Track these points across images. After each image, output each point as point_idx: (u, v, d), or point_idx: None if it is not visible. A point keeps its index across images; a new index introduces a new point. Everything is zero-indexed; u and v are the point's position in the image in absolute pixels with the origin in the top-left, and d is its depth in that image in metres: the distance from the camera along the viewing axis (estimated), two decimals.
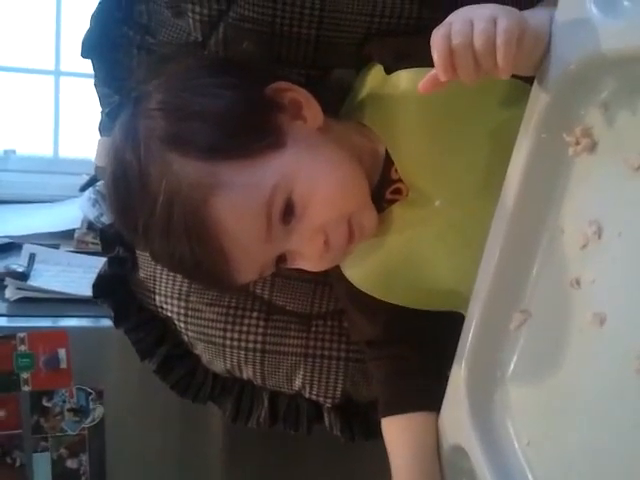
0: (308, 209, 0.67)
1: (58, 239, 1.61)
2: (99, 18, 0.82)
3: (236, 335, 0.90)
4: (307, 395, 0.94)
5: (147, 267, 0.94)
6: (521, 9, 0.59)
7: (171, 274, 0.91)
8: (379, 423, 0.80)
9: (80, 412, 1.34)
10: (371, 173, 0.73)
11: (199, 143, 0.65)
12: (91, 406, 1.34)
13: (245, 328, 0.90)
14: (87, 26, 0.83)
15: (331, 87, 0.80)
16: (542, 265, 0.62)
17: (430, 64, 0.56)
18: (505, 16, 0.55)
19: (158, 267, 0.92)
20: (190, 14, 0.77)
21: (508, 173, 0.63)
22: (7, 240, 1.57)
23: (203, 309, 0.91)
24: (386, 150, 0.73)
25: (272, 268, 0.72)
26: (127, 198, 0.68)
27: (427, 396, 0.75)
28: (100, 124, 0.89)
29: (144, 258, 0.94)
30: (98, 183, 1.58)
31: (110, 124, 0.78)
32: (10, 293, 1.38)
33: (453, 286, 0.73)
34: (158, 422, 1.39)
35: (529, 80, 0.61)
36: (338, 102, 0.79)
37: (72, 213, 1.65)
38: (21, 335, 1.30)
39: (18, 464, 1.31)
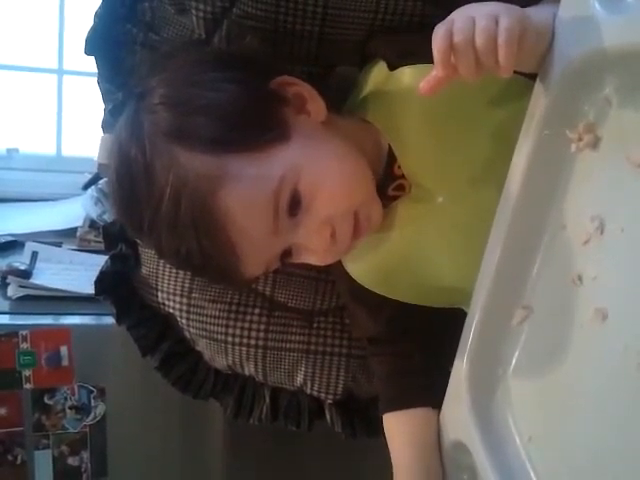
0: (315, 201, 0.67)
1: (61, 237, 1.61)
2: (103, 15, 0.83)
3: (238, 332, 0.90)
4: (308, 391, 0.94)
5: (149, 264, 0.94)
6: (524, 6, 0.59)
7: (174, 271, 0.91)
8: (380, 419, 0.80)
9: (82, 410, 1.34)
10: (374, 169, 0.73)
11: (204, 136, 0.65)
12: (93, 404, 1.34)
13: (247, 325, 0.90)
14: (90, 24, 0.83)
15: (334, 84, 0.81)
16: (544, 261, 0.62)
17: (433, 61, 0.56)
18: (507, 14, 0.54)
19: (160, 264, 0.93)
20: (194, 11, 0.77)
21: (510, 169, 0.63)
22: (10, 238, 1.58)
23: (205, 306, 0.91)
24: (389, 146, 0.73)
25: (277, 263, 0.72)
26: (132, 194, 0.68)
27: (428, 392, 0.76)
28: (103, 121, 0.89)
29: (147, 255, 0.94)
30: (100, 181, 1.59)
31: (113, 121, 0.78)
32: (12, 291, 1.38)
33: (455, 282, 0.73)
34: (159, 420, 1.39)
35: (532, 76, 0.61)
36: (341, 99, 0.79)
37: (75, 211, 1.65)
38: (23, 333, 1.30)
39: (19, 461, 1.31)
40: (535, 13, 0.58)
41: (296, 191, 0.66)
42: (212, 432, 1.39)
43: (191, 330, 0.93)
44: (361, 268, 0.78)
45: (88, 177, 1.64)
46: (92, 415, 1.34)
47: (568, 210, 0.60)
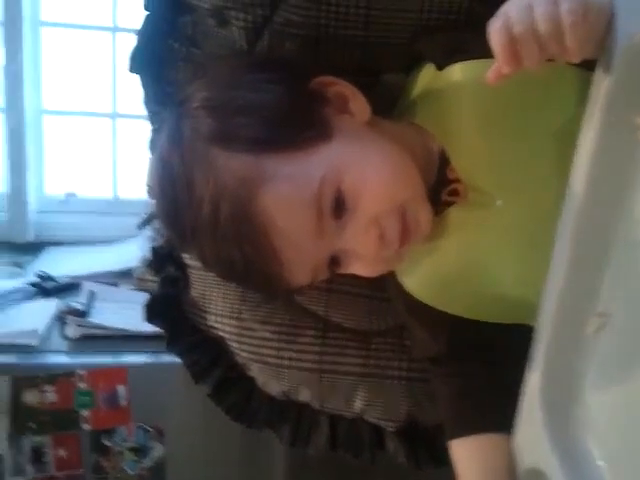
0: (359, 201, 0.65)
1: (117, 278, 1.63)
2: (145, 33, 0.83)
3: (292, 354, 0.88)
4: (368, 418, 0.90)
5: (198, 285, 0.93)
6: None
7: (222, 292, 0.90)
8: (447, 448, 0.75)
9: (140, 451, 1.33)
10: (426, 174, 0.70)
11: (244, 137, 0.65)
12: (150, 445, 1.33)
13: (300, 347, 0.87)
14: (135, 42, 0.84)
15: (381, 92, 0.79)
16: (619, 262, 0.57)
17: (484, 55, 0.55)
18: None
19: (209, 285, 0.91)
20: (234, 21, 0.77)
21: (575, 163, 0.58)
22: (68, 280, 1.61)
23: (256, 327, 0.89)
24: (441, 149, 0.70)
25: (326, 271, 0.70)
26: (174, 201, 0.67)
27: (498, 415, 0.70)
28: (150, 142, 0.90)
29: (195, 276, 0.93)
30: (155, 220, 1.59)
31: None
32: (71, 331, 1.41)
33: (520, 293, 0.69)
34: (220, 462, 1.38)
35: (589, 67, 0.57)
36: (388, 107, 0.77)
37: (131, 252, 1.66)
38: (81, 372, 1.31)
39: None
40: None
41: (339, 192, 0.64)
42: (274, 476, 1.36)
43: (243, 354, 0.91)
44: (416, 281, 0.75)
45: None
46: (150, 457, 1.33)
47: None
